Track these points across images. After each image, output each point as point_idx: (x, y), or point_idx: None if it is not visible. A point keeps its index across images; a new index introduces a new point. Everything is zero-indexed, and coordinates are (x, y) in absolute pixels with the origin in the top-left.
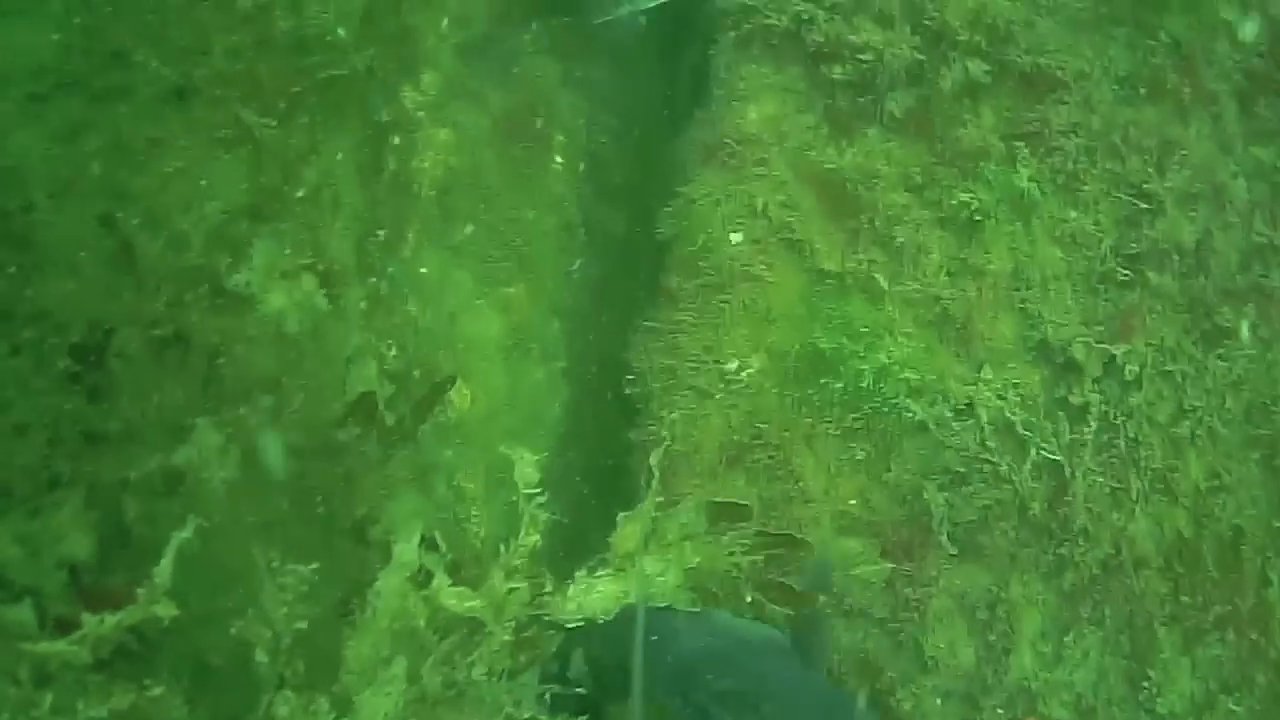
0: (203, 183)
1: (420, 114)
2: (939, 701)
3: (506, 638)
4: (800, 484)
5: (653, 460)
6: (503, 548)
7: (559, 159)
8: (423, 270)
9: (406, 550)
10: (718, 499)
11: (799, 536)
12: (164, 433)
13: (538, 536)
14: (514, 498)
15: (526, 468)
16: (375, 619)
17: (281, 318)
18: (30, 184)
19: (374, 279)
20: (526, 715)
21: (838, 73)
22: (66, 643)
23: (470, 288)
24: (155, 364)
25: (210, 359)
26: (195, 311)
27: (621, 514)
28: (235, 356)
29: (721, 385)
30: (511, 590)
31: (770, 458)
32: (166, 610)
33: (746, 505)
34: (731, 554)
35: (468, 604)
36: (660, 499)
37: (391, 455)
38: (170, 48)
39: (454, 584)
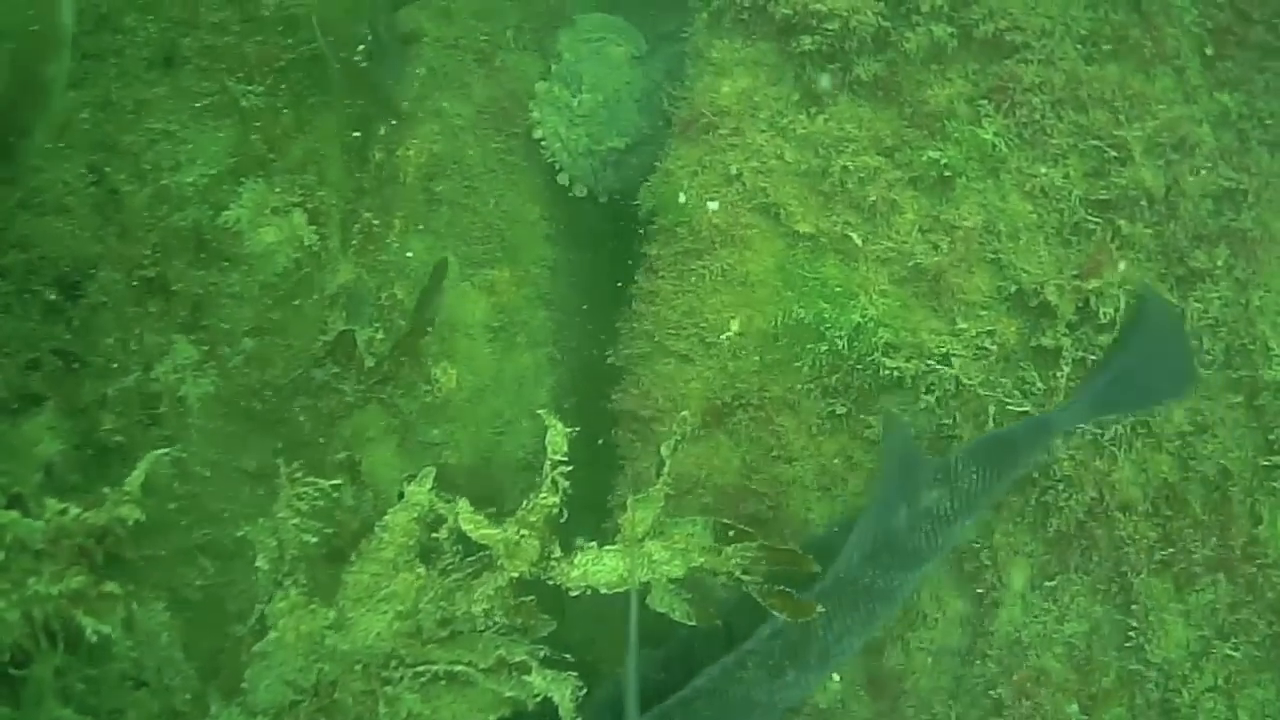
0: (189, 146)
1: (405, 104)
2: (929, 659)
3: (515, 575)
4: (782, 443)
5: (664, 450)
6: (524, 502)
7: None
8: (409, 254)
9: (419, 492)
10: (726, 521)
11: (801, 552)
12: (142, 366)
13: (557, 499)
14: (498, 478)
15: (556, 436)
16: (380, 550)
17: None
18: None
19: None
20: (519, 658)
21: (806, 43)
22: (20, 514)
23: (455, 271)
24: (137, 305)
25: (192, 309)
26: (179, 262)
27: (633, 497)
28: (217, 308)
29: (702, 349)
30: (524, 539)
31: (752, 419)
32: (132, 513)
33: (752, 532)
34: (734, 563)
35: (484, 531)
36: (670, 491)
37: (370, 398)
38: (159, 16)
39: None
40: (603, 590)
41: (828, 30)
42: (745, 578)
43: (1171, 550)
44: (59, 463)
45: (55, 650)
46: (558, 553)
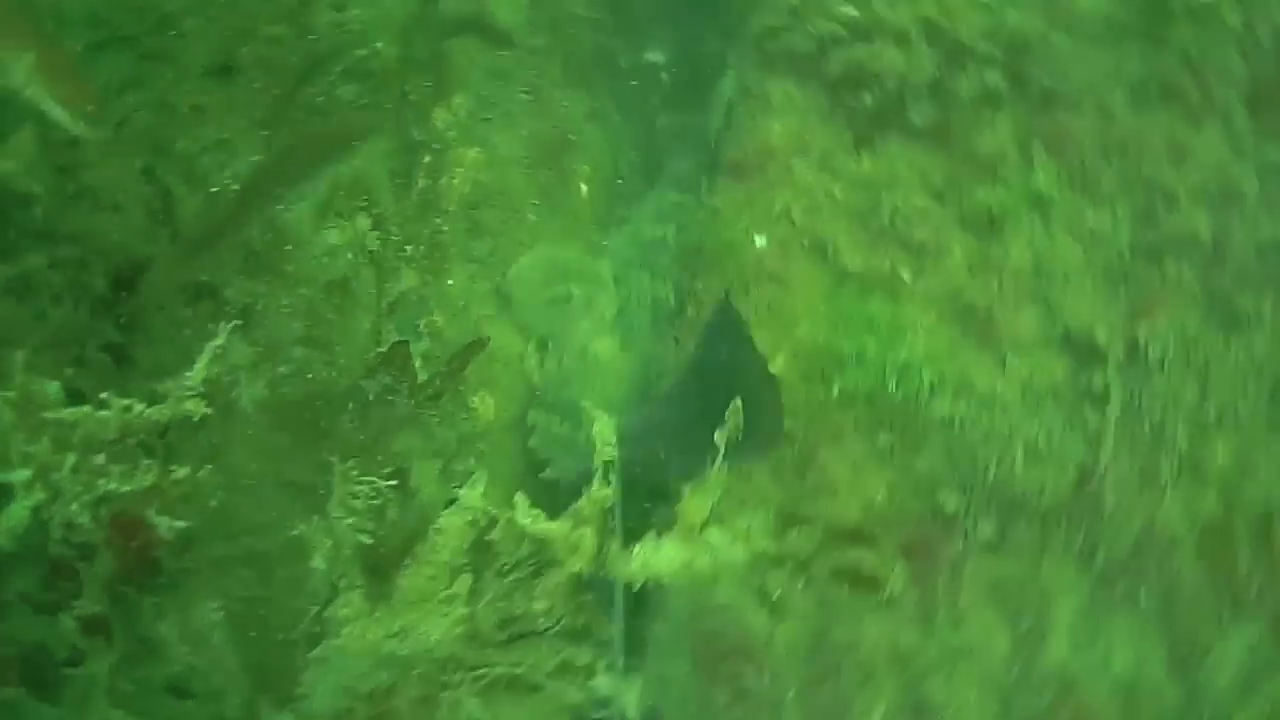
0: (241, 155)
1: (450, 133)
2: (974, 692)
3: (575, 570)
4: (827, 478)
5: (716, 438)
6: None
7: (584, 186)
8: (450, 282)
9: (473, 495)
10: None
11: (866, 531)
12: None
13: (610, 490)
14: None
15: (604, 428)
16: (435, 553)
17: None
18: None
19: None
20: (584, 660)
21: (860, 88)
22: (91, 409)
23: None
24: (187, 308)
25: (242, 314)
26: (230, 270)
27: (688, 485)
28: (265, 319)
29: None
30: (581, 534)
31: (796, 453)
32: (197, 408)
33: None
34: (799, 549)
35: (542, 525)
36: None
37: (419, 414)
38: (219, 23)
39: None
40: (664, 580)
41: (887, 87)
42: (811, 567)
43: (1216, 588)
44: None
45: (111, 647)
46: (616, 546)
